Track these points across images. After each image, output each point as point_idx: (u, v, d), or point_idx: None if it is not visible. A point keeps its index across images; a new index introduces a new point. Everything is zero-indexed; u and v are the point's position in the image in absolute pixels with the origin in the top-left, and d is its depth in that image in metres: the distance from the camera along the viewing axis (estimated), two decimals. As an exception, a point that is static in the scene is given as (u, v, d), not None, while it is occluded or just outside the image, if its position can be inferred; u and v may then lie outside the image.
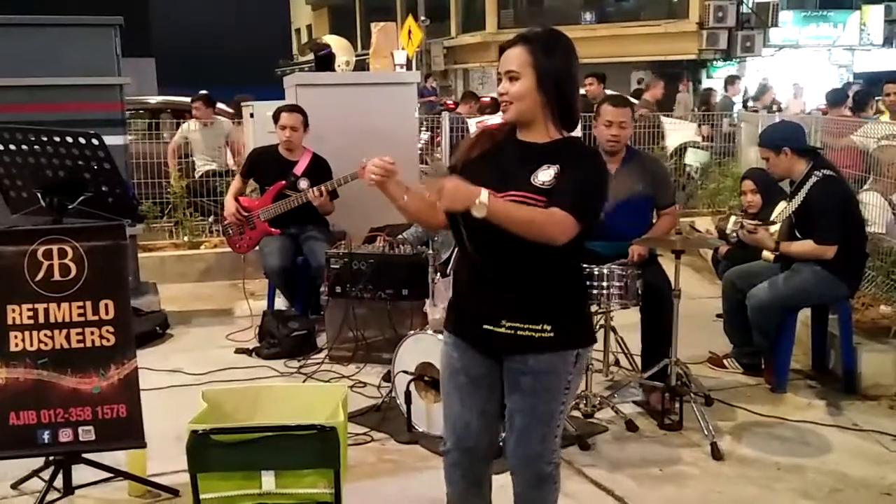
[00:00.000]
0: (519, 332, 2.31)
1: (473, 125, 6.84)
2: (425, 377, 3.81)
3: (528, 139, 2.37)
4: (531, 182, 2.28)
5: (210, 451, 2.64)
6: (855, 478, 3.46)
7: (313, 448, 2.64)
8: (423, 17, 20.39)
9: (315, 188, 5.29)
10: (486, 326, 2.34)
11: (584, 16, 23.48)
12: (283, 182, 5.44)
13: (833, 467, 3.56)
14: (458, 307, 2.46)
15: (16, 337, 3.04)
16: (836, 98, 8.72)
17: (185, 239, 7.39)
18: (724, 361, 4.75)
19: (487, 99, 11.76)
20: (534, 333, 2.30)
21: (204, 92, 8.93)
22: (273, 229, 5.45)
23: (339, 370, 4.74)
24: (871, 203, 5.31)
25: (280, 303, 5.56)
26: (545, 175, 2.29)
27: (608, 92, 10.33)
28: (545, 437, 2.42)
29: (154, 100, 11.71)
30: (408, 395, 3.79)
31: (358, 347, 4.84)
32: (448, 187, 2.17)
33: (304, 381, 4.55)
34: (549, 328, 2.31)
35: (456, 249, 2.56)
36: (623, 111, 4.21)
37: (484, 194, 2.16)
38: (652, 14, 22.39)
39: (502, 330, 2.32)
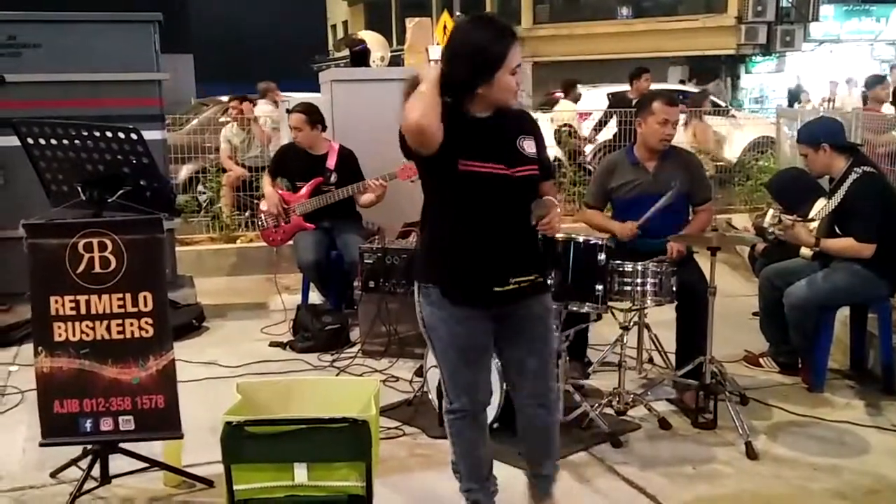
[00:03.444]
0: (522, 285, 2.64)
1: None
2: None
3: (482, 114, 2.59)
4: (526, 154, 2.65)
5: (244, 442, 2.67)
6: (893, 479, 3.40)
7: (345, 441, 2.67)
8: (458, 13, 20.37)
9: (372, 180, 5.31)
10: (496, 289, 2.60)
11: (620, 10, 23.29)
12: (321, 178, 5.49)
13: (871, 468, 3.50)
14: (460, 278, 2.62)
15: (59, 327, 3.10)
16: (874, 81, 8.70)
17: (222, 232, 7.48)
18: (761, 360, 4.70)
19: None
20: (534, 281, 2.68)
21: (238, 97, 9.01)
22: (307, 224, 5.49)
23: (371, 364, 4.77)
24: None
25: (314, 297, 5.61)
26: (529, 146, 2.66)
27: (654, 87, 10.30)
28: (553, 372, 2.86)
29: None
30: (439, 390, 3.78)
31: (391, 342, 4.87)
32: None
33: (336, 375, 4.59)
34: (539, 276, 2.72)
35: (448, 226, 2.64)
36: (676, 109, 4.26)
37: None
38: (689, 8, 22.14)
39: (511, 287, 2.62)
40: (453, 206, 2.58)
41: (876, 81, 9.11)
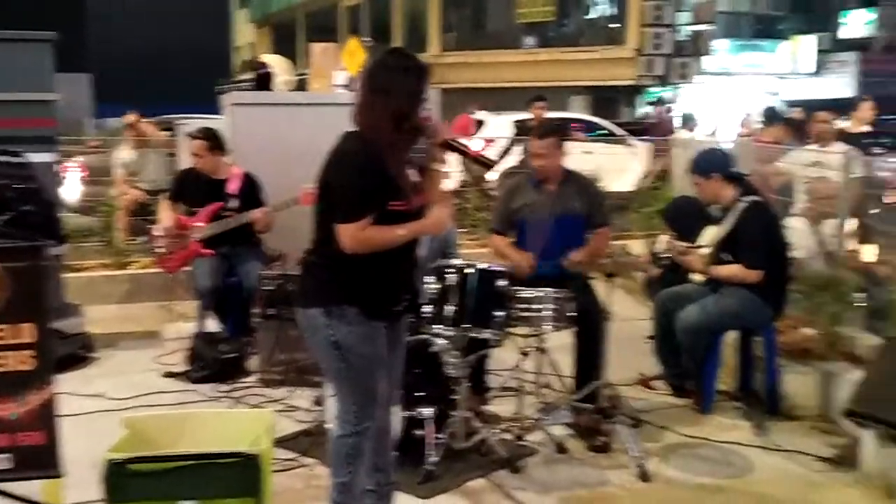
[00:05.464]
0: (402, 303, 2.92)
1: None
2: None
3: None
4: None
5: (127, 480, 2.57)
6: (777, 498, 3.54)
7: (235, 476, 2.60)
8: (366, 38, 20.43)
9: (260, 210, 5.25)
10: (396, 308, 2.88)
11: (525, 40, 23.84)
12: (221, 203, 5.38)
13: (756, 488, 3.63)
14: (380, 297, 2.81)
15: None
16: (772, 116, 9.19)
17: (115, 258, 7.21)
18: (653, 383, 4.82)
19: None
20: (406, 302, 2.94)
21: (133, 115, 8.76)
22: (206, 250, 5.36)
23: (269, 394, 4.67)
24: (798, 229, 5.48)
25: (211, 325, 5.47)
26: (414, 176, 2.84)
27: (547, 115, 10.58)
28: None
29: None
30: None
31: (290, 370, 4.78)
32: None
33: (233, 406, 4.47)
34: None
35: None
36: (544, 143, 4.37)
37: None
38: (591, 40, 22.84)
39: (403, 303, 2.91)
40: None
41: (773, 116, 9.58)
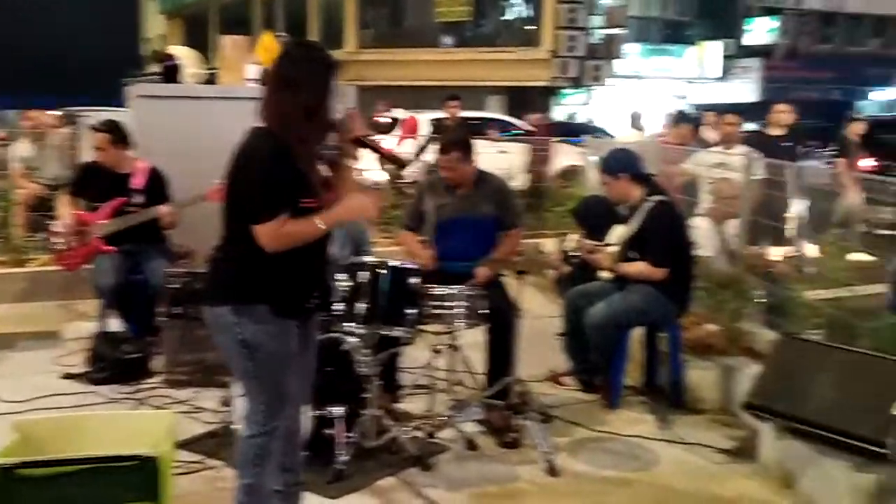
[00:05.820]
0: (314, 300, 2.87)
1: None
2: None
3: None
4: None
5: (16, 487, 2.45)
6: (679, 490, 3.63)
7: (132, 480, 2.51)
8: (280, 33, 20.13)
9: (165, 206, 5.09)
10: (307, 305, 2.82)
11: (442, 39, 23.93)
12: (125, 199, 5.20)
13: (659, 480, 3.72)
14: (290, 294, 2.74)
15: None
16: (679, 118, 9.46)
17: (11, 255, 6.89)
18: (563, 379, 4.89)
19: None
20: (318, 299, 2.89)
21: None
22: (108, 247, 5.18)
23: (174, 395, 4.53)
24: (702, 228, 5.64)
25: (114, 324, 5.27)
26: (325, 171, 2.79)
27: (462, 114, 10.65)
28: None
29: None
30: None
31: (196, 371, 4.66)
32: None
33: (135, 408, 4.32)
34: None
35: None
36: (448, 157, 4.45)
37: None
38: (507, 41, 23.10)
39: (314, 300, 2.86)
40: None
41: (680, 119, 9.84)
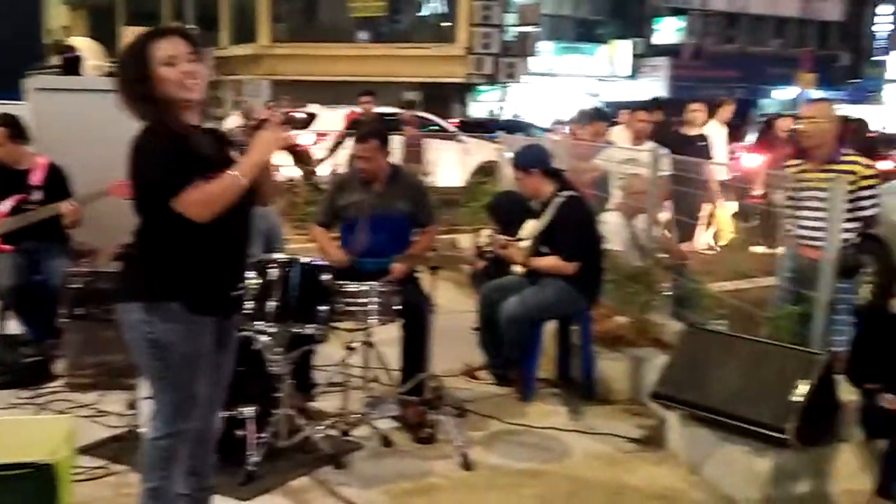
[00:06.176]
0: (238, 290, 2.78)
1: None
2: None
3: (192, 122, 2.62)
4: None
5: None
6: (590, 479, 3.70)
7: (28, 489, 2.41)
8: (191, 26, 19.65)
9: (66, 203, 4.89)
10: (225, 300, 2.71)
11: (358, 34, 23.78)
12: (23, 195, 4.98)
13: (571, 470, 3.78)
14: (206, 290, 2.64)
15: None
16: (596, 115, 9.62)
17: None
18: (478, 373, 4.92)
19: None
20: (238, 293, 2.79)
21: None
22: (5, 245, 4.95)
23: (78, 399, 4.36)
24: (612, 223, 5.75)
25: (13, 327, 5.05)
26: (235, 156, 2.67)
27: (376, 110, 10.61)
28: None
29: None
30: (155, 421, 3.57)
31: (100, 373, 4.49)
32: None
33: (36, 413, 4.15)
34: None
35: (189, 240, 2.60)
36: (365, 146, 4.38)
37: None
38: (423, 37, 23.12)
39: (235, 294, 2.75)
40: (197, 225, 2.54)
41: (597, 116, 9.96)
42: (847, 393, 3.58)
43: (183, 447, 2.73)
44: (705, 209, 7.39)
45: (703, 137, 7.96)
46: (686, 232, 6.01)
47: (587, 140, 7.66)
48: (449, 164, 11.93)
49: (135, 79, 2.54)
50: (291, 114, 12.11)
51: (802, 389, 3.41)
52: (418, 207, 4.53)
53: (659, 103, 10.16)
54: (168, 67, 2.52)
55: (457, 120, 17.65)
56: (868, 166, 4.34)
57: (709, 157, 7.43)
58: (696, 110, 8.14)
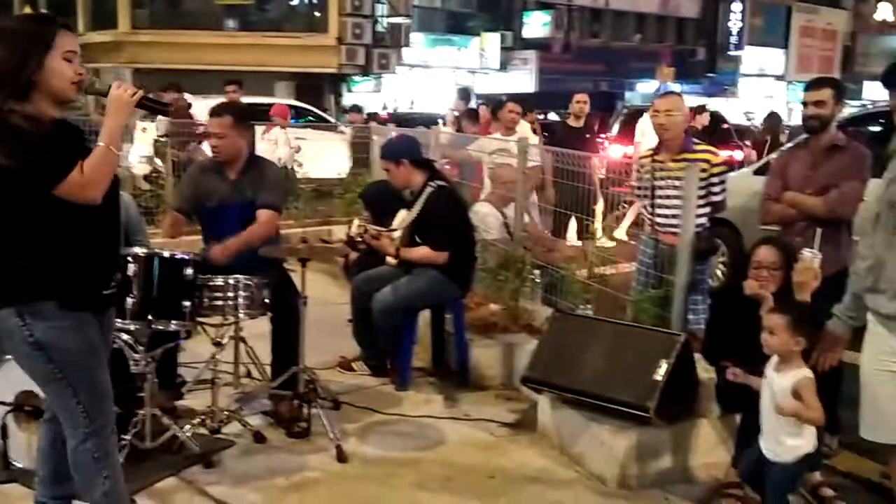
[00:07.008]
0: (108, 287, 2.69)
1: None
2: (26, 407, 3.40)
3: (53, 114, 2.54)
4: None
5: None
6: (465, 465, 3.74)
7: None
8: (43, 10, 18.56)
9: None
10: (101, 293, 2.64)
11: (226, 22, 23.07)
12: None
13: (446, 457, 3.82)
14: (79, 284, 2.56)
15: None
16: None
17: None
18: (353, 365, 4.88)
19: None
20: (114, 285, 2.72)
21: None
22: None
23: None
24: (486, 212, 5.83)
25: None
26: None
27: (245, 100, 10.33)
28: None
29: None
30: (4, 428, 3.36)
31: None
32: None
33: None
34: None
35: (64, 236, 2.53)
36: (218, 121, 4.21)
37: None
38: (294, 26, 22.67)
39: (110, 290, 2.69)
40: (66, 217, 2.49)
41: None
42: (704, 371, 3.77)
43: (110, 443, 2.69)
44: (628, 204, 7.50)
45: (588, 129, 8.25)
46: (564, 222, 6.16)
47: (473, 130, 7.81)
48: (328, 154, 11.77)
49: (28, 57, 2.42)
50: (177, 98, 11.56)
51: (663, 369, 3.56)
52: (258, 190, 4.19)
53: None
54: (65, 63, 2.47)
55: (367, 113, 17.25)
56: (717, 155, 4.57)
57: (595, 149, 7.69)
58: (580, 101, 8.40)
